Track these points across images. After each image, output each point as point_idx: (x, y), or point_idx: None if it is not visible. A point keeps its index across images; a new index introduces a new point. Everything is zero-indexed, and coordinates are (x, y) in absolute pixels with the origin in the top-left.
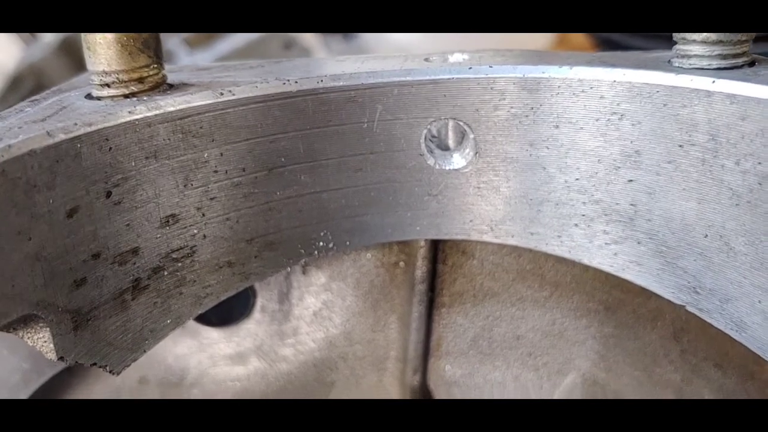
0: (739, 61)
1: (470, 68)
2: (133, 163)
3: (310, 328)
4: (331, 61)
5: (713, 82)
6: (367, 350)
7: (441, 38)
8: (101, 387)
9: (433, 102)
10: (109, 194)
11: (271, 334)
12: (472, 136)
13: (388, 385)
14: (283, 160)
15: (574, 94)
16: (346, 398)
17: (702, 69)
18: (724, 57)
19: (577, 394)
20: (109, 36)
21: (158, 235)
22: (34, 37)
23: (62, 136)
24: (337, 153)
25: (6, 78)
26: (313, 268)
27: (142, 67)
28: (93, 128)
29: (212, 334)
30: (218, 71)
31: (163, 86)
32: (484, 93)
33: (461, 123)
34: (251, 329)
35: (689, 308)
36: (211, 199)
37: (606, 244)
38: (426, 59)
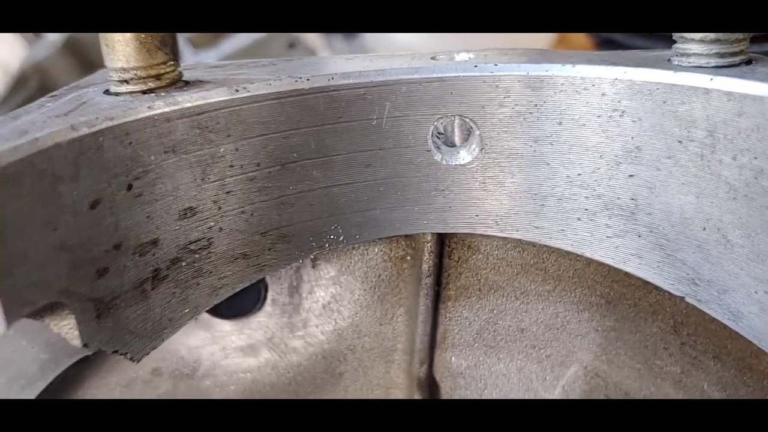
0: (737, 59)
1: (476, 66)
2: (153, 157)
3: (319, 321)
4: (341, 59)
5: (711, 79)
6: (374, 342)
7: (442, 38)
8: (115, 378)
9: (440, 99)
10: (130, 187)
11: (282, 327)
12: (477, 132)
13: (395, 376)
14: (295, 155)
15: (576, 91)
16: (354, 389)
17: (700, 67)
18: (721, 55)
19: (579, 386)
20: (128, 34)
21: (177, 227)
22: (38, 36)
23: (86, 130)
24: (347, 149)
25: (10, 77)
26: (323, 262)
27: (159, 64)
28: (114, 122)
29: (224, 326)
30: (231, 69)
31: (180, 83)
32: (489, 90)
33: (467, 120)
34: (262, 322)
35: (688, 299)
36: (227, 192)
37: (608, 237)
38: (433, 58)
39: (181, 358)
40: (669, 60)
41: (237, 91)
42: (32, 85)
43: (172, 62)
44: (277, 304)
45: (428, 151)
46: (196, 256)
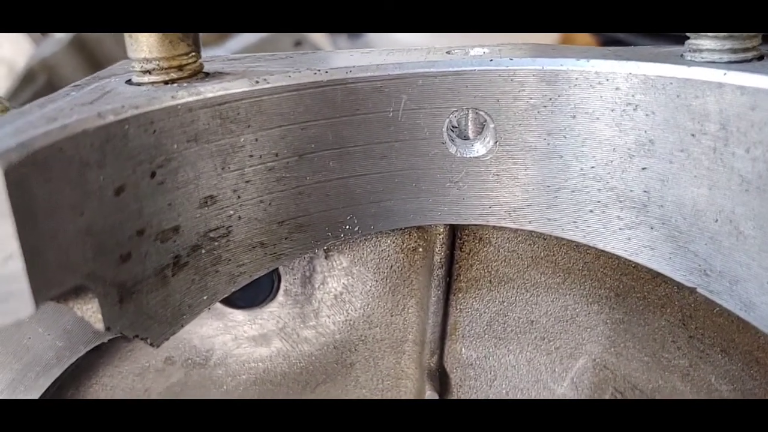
0: (749, 54)
1: (491, 61)
2: (176, 146)
3: (331, 311)
4: (357, 53)
5: (725, 74)
6: (386, 333)
7: (444, 39)
8: (128, 366)
9: (456, 92)
10: (153, 174)
11: (294, 317)
12: (492, 125)
13: (405, 366)
14: (313, 146)
15: (590, 85)
16: (365, 379)
17: (713, 62)
18: (734, 51)
19: (587, 378)
20: None
21: (197, 215)
22: (45, 33)
23: (112, 118)
24: (363, 140)
25: (17, 74)
26: (335, 252)
27: (181, 54)
28: (140, 111)
29: (237, 316)
30: (250, 61)
31: (200, 74)
32: (504, 84)
33: (482, 113)
34: (275, 312)
35: (700, 290)
36: (247, 182)
37: (620, 229)
38: (448, 52)
39: (193, 347)
40: (682, 55)
41: (257, 82)
42: (39, 82)
43: (193, 53)
44: (290, 295)
45: (443, 143)
46: (216, 243)
